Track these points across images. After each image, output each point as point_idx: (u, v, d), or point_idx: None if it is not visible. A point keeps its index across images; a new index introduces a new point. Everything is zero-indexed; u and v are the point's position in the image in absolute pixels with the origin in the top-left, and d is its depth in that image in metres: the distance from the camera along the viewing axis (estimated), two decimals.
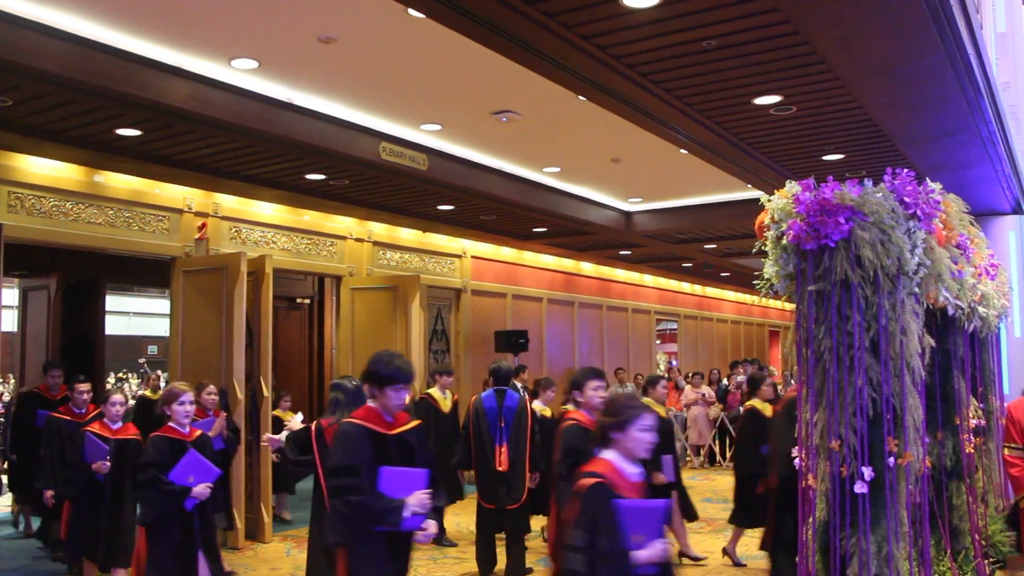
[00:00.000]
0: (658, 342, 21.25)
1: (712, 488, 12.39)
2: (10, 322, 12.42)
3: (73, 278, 11.18)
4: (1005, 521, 6.75)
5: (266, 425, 9.14)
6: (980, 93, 6.85)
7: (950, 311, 4.88)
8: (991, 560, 6.30)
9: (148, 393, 12.43)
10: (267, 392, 9.17)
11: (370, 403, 4.40)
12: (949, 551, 5.56)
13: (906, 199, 4.09)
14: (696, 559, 8.07)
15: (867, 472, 3.92)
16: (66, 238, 8.71)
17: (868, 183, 4.10)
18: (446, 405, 9.48)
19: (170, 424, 5.74)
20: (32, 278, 11.17)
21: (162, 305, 17.28)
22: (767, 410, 7.69)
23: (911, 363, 4.03)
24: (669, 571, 3.63)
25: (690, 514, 8.12)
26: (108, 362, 12.78)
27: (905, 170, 4.23)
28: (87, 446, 6.53)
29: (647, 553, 3.44)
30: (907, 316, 4.02)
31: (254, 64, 7.16)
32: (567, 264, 16.76)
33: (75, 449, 6.68)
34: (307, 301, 13.80)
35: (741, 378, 15.91)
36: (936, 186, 4.33)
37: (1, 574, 7.85)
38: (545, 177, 11.29)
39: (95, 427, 6.71)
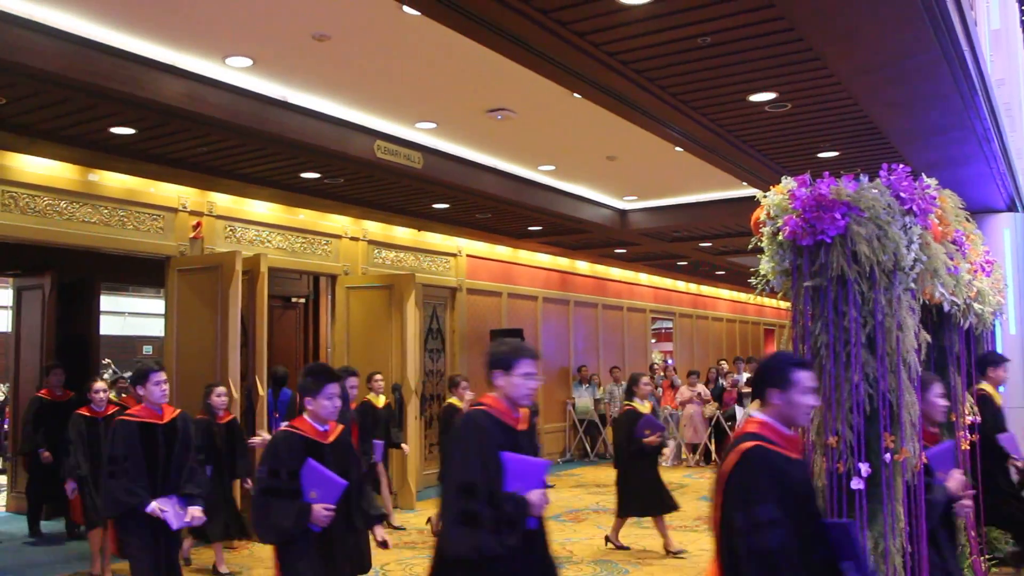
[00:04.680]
0: (653, 341, 21.25)
1: (708, 486, 12.36)
2: (4, 322, 12.37)
3: (67, 278, 11.13)
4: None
5: (261, 424, 9.13)
6: (975, 90, 6.86)
7: (946, 307, 4.88)
8: (987, 557, 6.31)
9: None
10: (262, 391, 9.16)
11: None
12: None
13: (902, 194, 4.09)
14: None
15: (864, 468, 3.92)
16: (60, 237, 8.69)
17: (864, 179, 4.10)
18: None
19: None
20: (26, 277, 11.13)
21: (157, 305, 17.25)
22: None
23: (908, 359, 4.03)
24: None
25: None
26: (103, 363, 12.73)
27: (901, 166, 4.23)
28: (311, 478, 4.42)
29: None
30: (903, 312, 4.02)
31: (248, 62, 7.14)
32: (562, 263, 16.75)
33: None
34: (302, 300, 13.75)
35: (737, 377, 15.93)
36: (932, 182, 4.33)
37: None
38: (540, 175, 11.29)
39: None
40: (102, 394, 7.79)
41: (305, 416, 4.50)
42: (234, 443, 8.01)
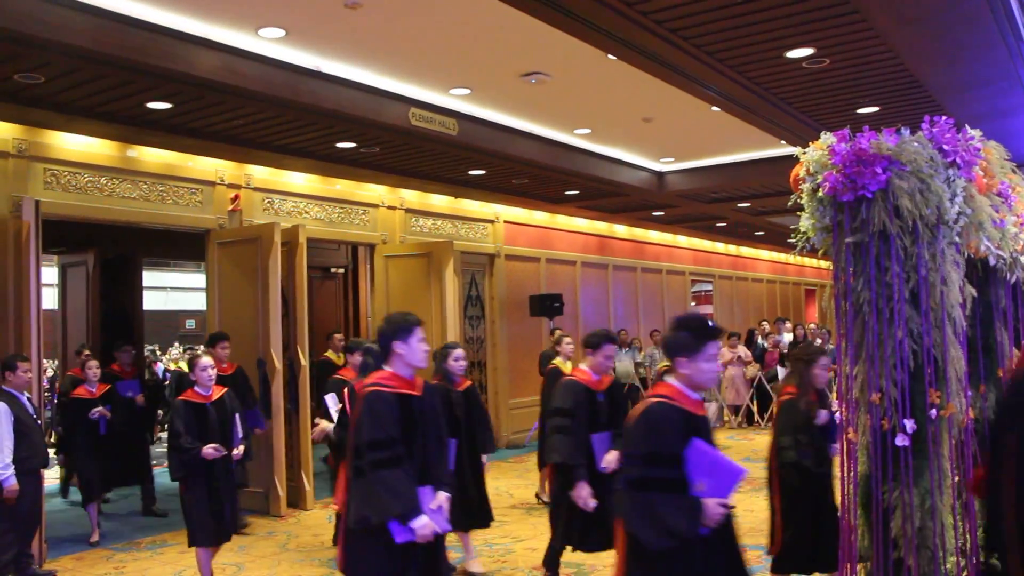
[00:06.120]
0: (693, 303, 21.13)
1: (752, 448, 12.38)
2: (51, 300, 12.59)
3: (110, 253, 11.30)
4: None
5: (304, 394, 9.22)
6: (1021, 39, 6.69)
7: (992, 261, 4.79)
8: None
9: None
10: (304, 361, 9.25)
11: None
12: None
13: (945, 147, 4.00)
14: None
15: (909, 424, 3.88)
16: (102, 213, 8.80)
17: (905, 132, 4.02)
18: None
19: None
20: (70, 254, 11.31)
21: (198, 280, 17.45)
22: None
23: (952, 314, 3.96)
24: None
25: None
26: (147, 336, 12.92)
27: (943, 118, 4.14)
28: None
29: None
30: (947, 266, 3.95)
31: (281, 33, 7.14)
32: (600, 227, 16.68)
33: None
34: (341, 270, 13.86)
35: (779, 337, 15.83)
36: (976, 133, 4.23)
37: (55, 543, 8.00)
38: (576, 139, 11.22)
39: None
40: (210, 371, 6.24)
41: (672, 381, 3.53)
42: (473, 413, 6.70)
